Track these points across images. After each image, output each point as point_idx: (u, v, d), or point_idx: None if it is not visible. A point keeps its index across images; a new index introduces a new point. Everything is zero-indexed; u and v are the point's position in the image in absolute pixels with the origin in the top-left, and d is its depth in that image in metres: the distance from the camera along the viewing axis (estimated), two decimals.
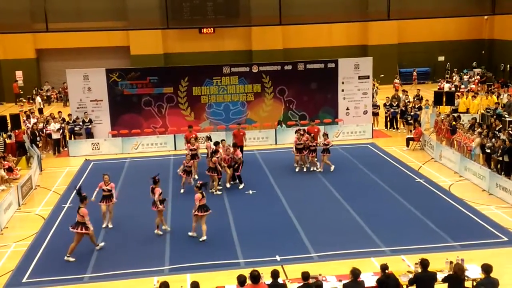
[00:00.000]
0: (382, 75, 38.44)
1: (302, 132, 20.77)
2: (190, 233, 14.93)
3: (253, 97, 26.36)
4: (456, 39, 41.98)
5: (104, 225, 15.86)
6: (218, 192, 18.36)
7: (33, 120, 25.54)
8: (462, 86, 35.74)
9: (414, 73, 40.49)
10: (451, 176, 20.05)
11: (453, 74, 39.97)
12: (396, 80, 36.84)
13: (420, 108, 26.63)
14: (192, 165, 19.27)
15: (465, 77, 38.63)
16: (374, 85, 31.51)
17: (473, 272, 11.00)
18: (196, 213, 14.62)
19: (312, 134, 21.02)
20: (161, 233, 15.21)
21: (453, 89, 32.95)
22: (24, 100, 36.15)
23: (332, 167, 20.53)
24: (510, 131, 20.11)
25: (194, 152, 19.75)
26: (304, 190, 18.53)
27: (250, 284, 9.83)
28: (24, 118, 26.48)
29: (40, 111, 32.32)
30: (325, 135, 20.79)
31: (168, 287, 9.77)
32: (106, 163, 23.11)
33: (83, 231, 13.72)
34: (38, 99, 34.24)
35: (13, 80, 38.40)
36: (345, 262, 12.74)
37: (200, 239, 14.61)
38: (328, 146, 20.41)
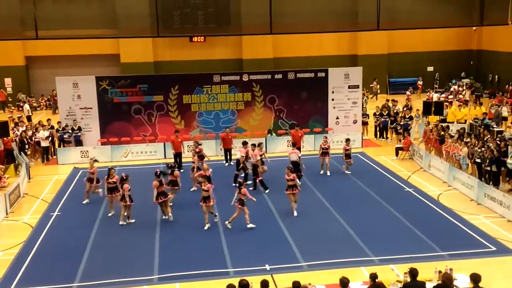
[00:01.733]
0: (372, 85, 38.67)
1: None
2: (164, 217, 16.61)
3: (243, 106, 26.39)
4: (445, 49, 42.30)
5: (110, 214, 17.39)
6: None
7: (21, 128, 25.36)
8: (450, 96, 36.03)
9: (419, 82, 40.41)
10: (439, 185, 20.14)
11: (455, 84, 40.02)
12: (408, 92, 36.27)
13: (411, 118, 26.77)
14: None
15: (455, 87, 38.88)
16: (364, 94, 31.67)
17: (462, 281, 11.04)
18: (154, 201, 16.08)
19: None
20: (124, 223, 16.55)
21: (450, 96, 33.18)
22: (13, 107, 36.01)
23: (328, 172, 21.26)
24: (497, 141, 20.25)
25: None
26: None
27: None
28: (13, 125, 26.31)
29: (29, 118, 32.14)
30: (325, 137, 21.79)
31: None
32: None
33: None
34: (27, 106, 34.05)
35: (3, 87, 38.18)
36: (334, 271, 12.73)
37: (167, 218, 16.48)
38: (327, 150, 21.33)
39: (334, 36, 40.10)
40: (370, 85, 36.58)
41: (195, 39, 39.05)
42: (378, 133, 27.97)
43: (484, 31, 41.21)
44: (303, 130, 24.64)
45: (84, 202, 18.64)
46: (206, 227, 15.97)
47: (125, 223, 16.53)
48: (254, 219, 16.85)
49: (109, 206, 17.55)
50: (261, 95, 26.38)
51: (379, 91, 39.38)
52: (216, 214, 16.66)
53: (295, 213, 16.94)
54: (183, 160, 22.75)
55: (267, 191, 19.11)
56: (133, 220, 16.71)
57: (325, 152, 21.37)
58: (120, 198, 16.55)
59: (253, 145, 19.84)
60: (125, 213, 16.61)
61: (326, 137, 21.97)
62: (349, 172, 21.41)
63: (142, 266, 13.72)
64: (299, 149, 22.72)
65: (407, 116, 26.62)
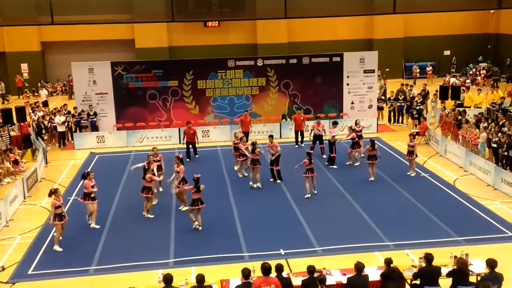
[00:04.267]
0: (388, 69, 38.32)
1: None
2: (193, 226, 15.08)
3: (258, 91, 26.34)
4: (462, 33, 41.72)
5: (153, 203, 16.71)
6: (259, 185, 18.32)
7: (39, 113, 25.57)
8: (468, 81, 35.58)
9: (428, 69, 39.75)
10: (456, 170, 20.01)
11: (472, 68, 39.50)
12: (455, 80, 33.73)
13: (423, 103, 26.56)
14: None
15: (473, 71, 38.38)
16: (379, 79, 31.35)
17: (478, 266, 11.00)
18: (191, 207, 14.91)
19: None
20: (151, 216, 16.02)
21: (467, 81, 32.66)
22: (29, 93, 36.32)
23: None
24: None
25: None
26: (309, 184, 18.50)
27: (260, 276, 9.85)
28: (30, 111, 26.55)
29: (45, 103, 32.32)
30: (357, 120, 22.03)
31: (171, 279, 9.86)
32: (111, 156, 23.19)
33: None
34: (45, 91, 34.18)
35: (19, 72, 38.46)
36: (349, 256, 12.76)
37: (199, 229, 14.97)
38: (361, 133, 21.19)
39: (350, 20, 39.71)
40: (382, 72, 36.17)
41: (209, 24, 38.96)
42: (392, 118, 27.78)
43: (502, 14, 40.51)
44: (318, 115, 24.54)
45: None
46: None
47: (151, 216, 16.08)
48: (269, 204, 16.96)
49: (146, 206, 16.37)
50: (275, 80, 26.30)
51: (418, 75, 38.86)
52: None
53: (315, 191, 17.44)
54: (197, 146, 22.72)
55: (280, 181, 18.93)
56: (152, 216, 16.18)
57: (360, 135, 20.79)
58: (141, 190, 15.99)
59: (271, 136, 19.10)
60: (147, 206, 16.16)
61: (357, 120, 21.90)
62: (414, 175, 19.23)
63: (157, 250, 13.84)
64: (302, 132, 22.95)
65: (419, 101, 26.42)
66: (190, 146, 22.09)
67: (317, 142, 21.66)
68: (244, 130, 22.70)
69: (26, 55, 38.66)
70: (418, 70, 38.97)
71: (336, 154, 20.56)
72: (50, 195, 14.33)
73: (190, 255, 13.52)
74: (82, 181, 15.56)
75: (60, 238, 14.29)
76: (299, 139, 23.56)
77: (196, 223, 15.07)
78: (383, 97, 28.26)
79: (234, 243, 14.17)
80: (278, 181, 18.86)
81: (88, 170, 15.89)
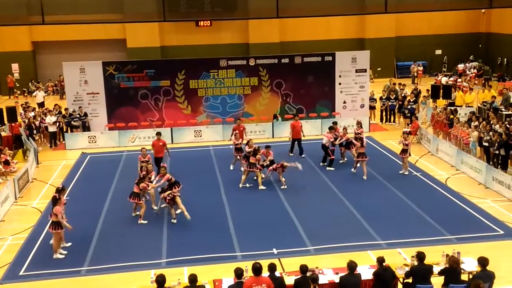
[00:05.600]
0: (379, 69, 38.43)
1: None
2: (173, 220, 15.51)
3: (250, 91, 26.33)
4: (453, 32, 41.93)
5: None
6: (262, 187, 18.13)
7: (30, 114, 25.44)
8: (459, 80, 35.72)
9: (419, 68, 39.77)
10: (447, 169, 20.09)
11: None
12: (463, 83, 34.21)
13: (415, 102, 26.64)
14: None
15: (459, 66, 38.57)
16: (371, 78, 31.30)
17: (469, 265, 11.04)
18: (164, 194, 15.40)
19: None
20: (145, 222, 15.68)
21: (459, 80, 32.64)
22: (20, 93, 36.09)
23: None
24: (507, 125, 20.12)
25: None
26: (301, 183, 18.53)
27: (252, 276, 9.84)
28: (21, 111, 26.40)
29: (41, 105, 32.03)
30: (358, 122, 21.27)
31: (164, 280, 9.82)
32: (102, 156, 23.11)
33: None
34: (42, 92, 33.84)
35: (9, 72, 38.22)
36: (342, 255, 12.78)
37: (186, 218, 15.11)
38: (361, 135, 20.16)
39: (341, 20, 39.83)
40: (374, 71, 36.26)
41: (201, 23, 38.87)
42: (384, 117, 27.83)
43: (493, 14, 40.78)
44: (310, 114, 24.48)
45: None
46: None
47: (145, 222, 15.58)
48: (261, 203, 16.95)
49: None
50: (267, 79, 26.30)
51: (416, 75, 38.96)
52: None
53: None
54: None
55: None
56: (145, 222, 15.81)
57: (356, 137, 19.90)
58: (130, 196, 15.68)
59: (268, 146, 18.88)
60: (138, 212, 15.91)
61: (359, 122, 21.11)
62: (406, 173, 19.29)
63: (150, 251, 13.80)
64: (300, 141, 21.83)
65: (411, 100, 26.48)
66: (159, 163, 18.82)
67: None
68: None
69: (17, 55, 38.44)
70: (416, 69, 38.98)
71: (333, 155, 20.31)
72: (55, 203, 13.58)
73: (183, 255, 13.49)
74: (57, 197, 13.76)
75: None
76: (296, 148, 21.92)
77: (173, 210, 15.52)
78: (374, 96, 27.98)
79: (227, 242, 14.15)
80: (283, 180, 18.47)
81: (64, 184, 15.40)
